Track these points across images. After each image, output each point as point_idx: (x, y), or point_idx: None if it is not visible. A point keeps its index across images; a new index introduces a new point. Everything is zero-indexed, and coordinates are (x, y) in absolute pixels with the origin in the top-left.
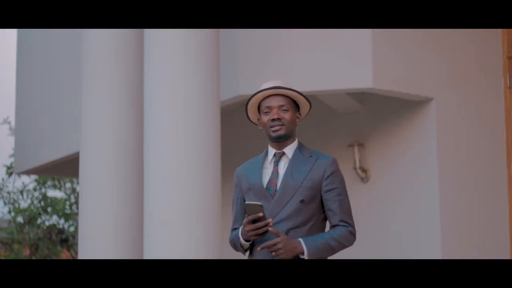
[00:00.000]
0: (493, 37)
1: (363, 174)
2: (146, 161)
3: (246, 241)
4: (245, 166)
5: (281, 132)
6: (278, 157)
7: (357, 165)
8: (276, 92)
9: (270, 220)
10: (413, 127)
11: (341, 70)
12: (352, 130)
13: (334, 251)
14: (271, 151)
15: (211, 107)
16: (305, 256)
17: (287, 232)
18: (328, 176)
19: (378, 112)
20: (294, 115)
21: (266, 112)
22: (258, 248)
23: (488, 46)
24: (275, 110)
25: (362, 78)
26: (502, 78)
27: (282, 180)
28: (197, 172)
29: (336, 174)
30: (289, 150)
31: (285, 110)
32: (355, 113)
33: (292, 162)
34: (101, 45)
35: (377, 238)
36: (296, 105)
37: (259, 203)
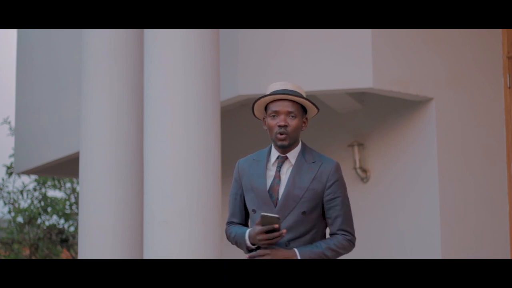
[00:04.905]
0: (493, 37)
1: (363, 174)
2: (146, 161)
3: (253, 244)
4: (249, 163)
5: (286, 142)
6: (281, 161)
7: (357, 165)
8: (285, 96)
9: (284, 230)
10: (413, 127)
11: (341, 70)
12: (352, 130)
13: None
14: (275, 153)
15: (211, 107)
16: None
17: (286, 244)
18: (331, 185)
19: (378, 112)
20: (300, 122)
21: (273, 116)
22: (247, 256)
23: (488, 46)
24: (282, 116)
25: (362, 78)
26: (502, 78)
27: (285, 189)
28: (197, 172)
29: (338, 182)
30: (292, 155)
31: (292, 116)
32: (355, 113)
33: (295, 169)
34: (101, 45)
35: (377, 238)
36: (303, 109)
37: (277, 215)
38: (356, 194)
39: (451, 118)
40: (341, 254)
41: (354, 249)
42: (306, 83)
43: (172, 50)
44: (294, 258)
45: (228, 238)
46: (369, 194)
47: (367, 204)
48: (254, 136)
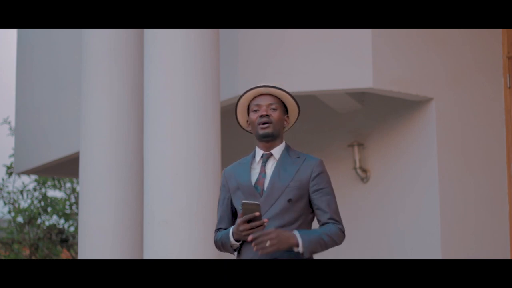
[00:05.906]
0: (493, 37)
1: (363, 174)
2: (146, 161)
3: (237, 241)
4: (233, 167)
5: (269, 130)
6: (266, 158)
7: (357, 165)
8: (266, 91)
9: (266, 220)
10: (413, 127)
11: (341, 70)
12: (352, 130)
13: (327, 246)
14: (259, 152)
15: (211, 107)
16: (300, 248)
17: None
18: (316, 177)
19: (378, 112)
20: (282, 116)
21: (255, 110)
22: (249, 238)
23: (488, 46)
24: (264, 108)
25: (362, 78)
26: (502, 78)
27: (270, 180)
28: (197, 171)
29: (323, 174)
30: (277, 151)
31: (273, 109)
32: (355, 113)
33: (280, 163)
34: (101, 45)
35: (377, 238)
36: (285, 109)
37: (257, 202)
38: (356, 194)
39: (451, 118)
40: (335, 242)
41: (355, 249)
42: (306, 83)
43: (172, 50)
44: (295, 239)
45: (216, 244)
46: (369, 194)
47: (367, 204)
48: (254, 136)
